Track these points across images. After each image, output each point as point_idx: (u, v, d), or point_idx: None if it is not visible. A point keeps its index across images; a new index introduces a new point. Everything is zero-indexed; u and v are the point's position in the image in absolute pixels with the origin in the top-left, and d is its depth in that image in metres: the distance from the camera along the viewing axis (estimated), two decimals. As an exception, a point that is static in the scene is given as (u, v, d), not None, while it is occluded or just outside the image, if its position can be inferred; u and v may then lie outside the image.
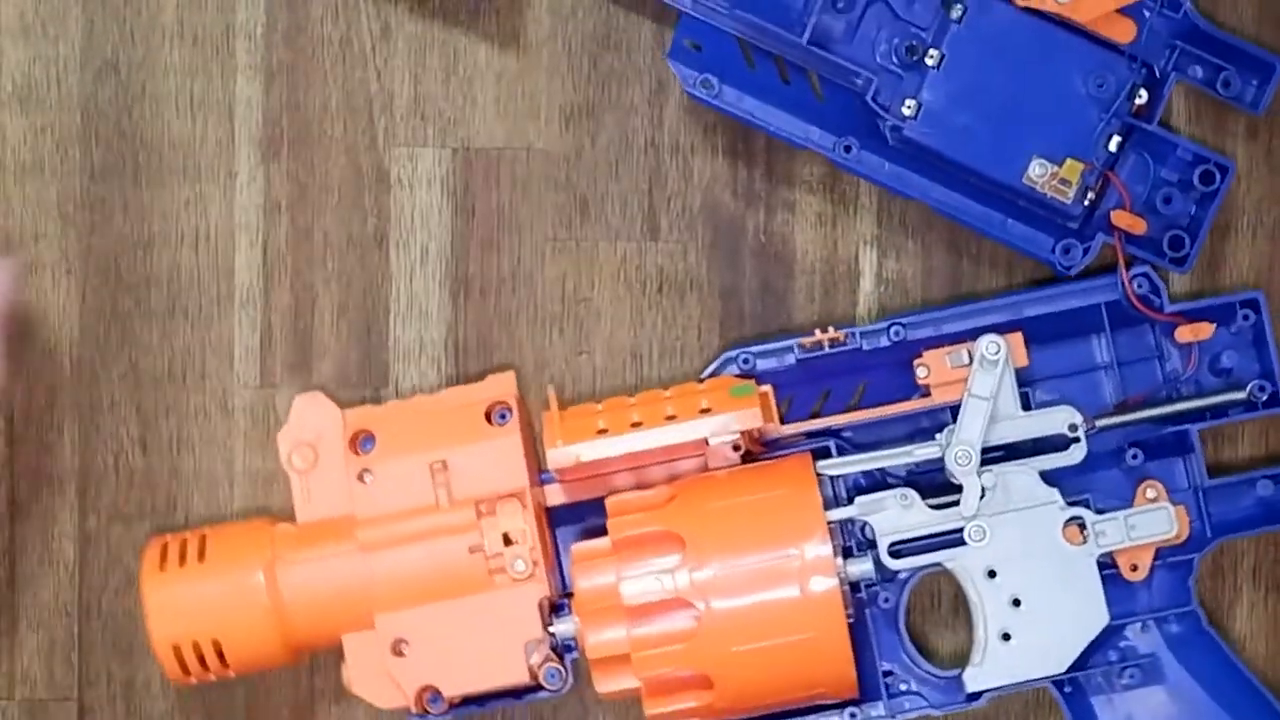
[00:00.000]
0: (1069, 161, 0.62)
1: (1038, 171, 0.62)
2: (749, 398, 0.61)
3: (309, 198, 0.66)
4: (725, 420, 0.60)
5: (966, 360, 0.62)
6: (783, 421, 0.63)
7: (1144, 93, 0.62)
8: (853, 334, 0.63)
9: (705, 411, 0.61)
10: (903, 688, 0.64)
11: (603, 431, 0.60)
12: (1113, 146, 0.62)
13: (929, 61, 0.62)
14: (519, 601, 0.61)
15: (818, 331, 0.63)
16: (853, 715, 0.63)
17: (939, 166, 0.63)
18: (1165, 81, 0.63)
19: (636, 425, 0.60)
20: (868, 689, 0.62)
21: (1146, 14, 0.62)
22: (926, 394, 0.63)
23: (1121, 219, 0.63)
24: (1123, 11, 0.62)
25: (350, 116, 0.66)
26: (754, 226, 0.67)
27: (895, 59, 0.63)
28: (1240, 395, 0.63)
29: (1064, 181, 0.62)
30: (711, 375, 0.63)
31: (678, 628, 0.59)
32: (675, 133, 0.66)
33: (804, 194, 0.67)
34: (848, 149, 0.63)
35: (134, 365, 0.66)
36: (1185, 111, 0.66)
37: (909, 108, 0.62)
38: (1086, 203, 0.62)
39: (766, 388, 0.62)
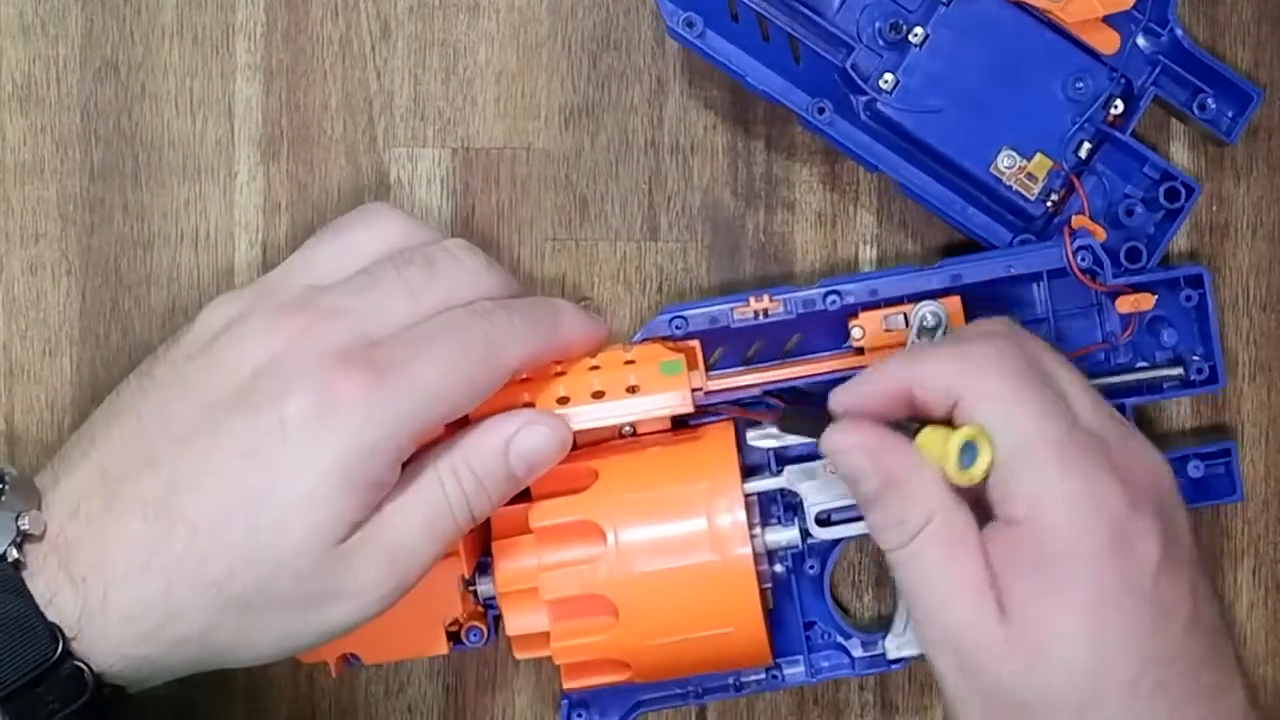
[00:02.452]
0: (1038, 157, 0.62)
1: (1005, 163, 0.62)
2: (678, 377, 0.61)
3: (309, 198, 0.66)
4: (652, 403, 0.61)
5: (903, 324, 0.62)
6: (711, 369, 0.62)
7: (1120, 104, 0.62)
8: (788, 301, 0.62)
9: (633, 390, 0.61)
10: (824, 654, 0.64)
11: (528, 404, 0.60)
12: (1083, 153, 0.62)
13: (912, 39, 0.62)
14: (438, 578, 0.60)
15: (752, 300, 0.62)
16: (774, 676, 0.63)
17: (908, 144, 0.63)
18: (1142, 96, 0.63)
19: (564, 401, 0.61)
20: (790, 649, 0.63)
21: (1133, 27, 0.62)
22: (860, 353, 0.63)
23: (1081, 225, 0.63)
24: (1109, 21, 0.62)
25: (350, 117, 0.66)
26: (754, 226, 0.67)
27: (879, 32, 0.63)
28: (1178, 371, 0.63)
29: (1030, 176, 0.62)
30: (645, 337, 0.62)
31: (596, 621, 0.59)
32: (675, 133, 0.66)
33: (804, 194, 0.67)
34: (821, 110, 0.63)
35: (134, 365, 0.66)
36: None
37: (886, 82, 0.62)
38: (1049, 204, 0.62)
39: (694, 344, 0.62)
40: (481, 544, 0.62)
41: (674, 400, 0.61)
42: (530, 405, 0.60)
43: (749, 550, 0.59)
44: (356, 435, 0.53)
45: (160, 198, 0.66)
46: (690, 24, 0.63)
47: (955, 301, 0.62)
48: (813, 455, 0.63)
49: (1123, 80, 0.62)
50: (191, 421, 0.54)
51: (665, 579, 0.59)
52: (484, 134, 0.66)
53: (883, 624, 0.65)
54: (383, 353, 0.55)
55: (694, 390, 0.61)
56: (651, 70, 0.66)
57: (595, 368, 0.61)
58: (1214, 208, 0.67)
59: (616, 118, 0.67)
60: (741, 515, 0.59)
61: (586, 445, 0.62)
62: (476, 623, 0.62)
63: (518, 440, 0.58)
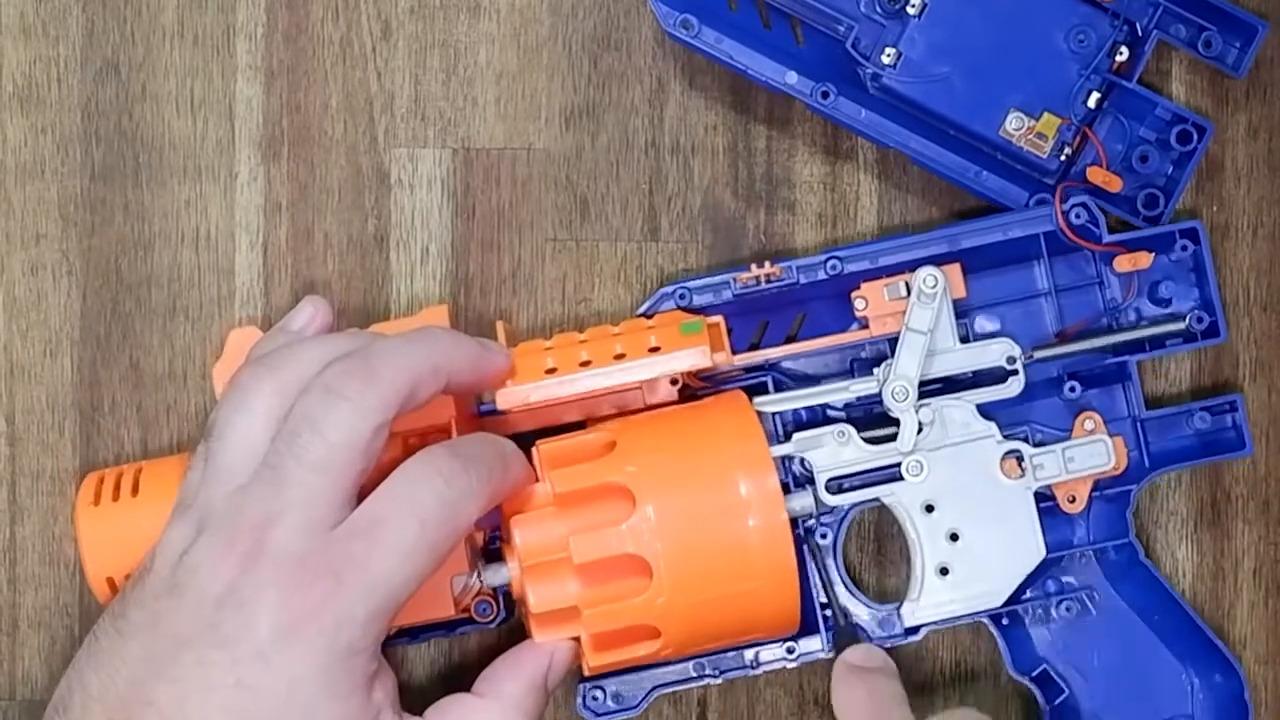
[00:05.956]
0: (1046, 115, 0.62)
1: (1014, 125, 0.62)
2: (698, 335, 0.61)
3: (309, 198, 0.66)
4: (673, 360, 0.60)
5: (904, 292, 0.62)
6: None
7: (1125, 50, 0.62)
8: (789, 268, 0.63)
9: (654, 350, 0.61)
10: (841, 623, 0.64)
11: (551, 371, 0.60)
12: (1091, 103, 0.62)
13: (910, 10, 0.62)
14: None
15: (753, 266, 0.62)
16: (790, 649, 0.63)
17: (916, 116, 0.63)
18: (1147, 39, 0.63)
19: (586, 364, 0.60)
20: (805, 624, 0.62)
21: (1131, -30, 0.63)
22: (865, 326, 0.63)
23: (1097, 175, 0.63)
24: (1107, -33, 0.62)
25: (350, 117, 0.66)
26: (754, 226, 0.67)
27: (877, 6, 0.63)
28: (1179, 326, 0.63)
29: (1040, 136, 0.62)
30: (649, 310, 0.63)
31: (629, 584, 0.59)
32: (675, 133, 0.66)
33: (804, 194, 0.67)
34: (825, 95, 0.63)
35: (134, 365, 0.66)
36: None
37: (889, 56, 0.62)
38: (1063, 158, 0.63)
39: (718, 319, 0.62)
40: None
41: (694, 356, 0.61)
42: (553, 371, 0.60)
43: (784, 516, 0.59)
44: (332, 643, 0.54)
45: (161, 198, 0.66)
46: (686, 25, 0.63)
47: (955, 268, 0.63)
48: (821, 421, 0.64)
49: (1125, 26, 0.62)
50: (173, 659, 0.54)
51: (700, 539, 0.58)
52: (484, 134, 0.66)
53: (886, 593, 0.65)
54: (337, 549, 0.55)
55: (722, 365, 0.61)
56: (652, 71, 0.66)
57: (618, 334, 0.61)
58: (1214, 208, 0.67)
59: (617, 118, 0.67)
60: (774, 478, 0.59)
61: (604, 414, 0.62)
62: (485, 596, 0.62)
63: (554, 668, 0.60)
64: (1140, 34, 0.63)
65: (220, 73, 0.66)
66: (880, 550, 0.66)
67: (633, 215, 0.67)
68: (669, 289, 0.63)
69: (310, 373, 0.57)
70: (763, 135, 0.67)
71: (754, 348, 0.64)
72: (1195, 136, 0.63)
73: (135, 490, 0.62)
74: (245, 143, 0.66)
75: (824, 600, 0.64)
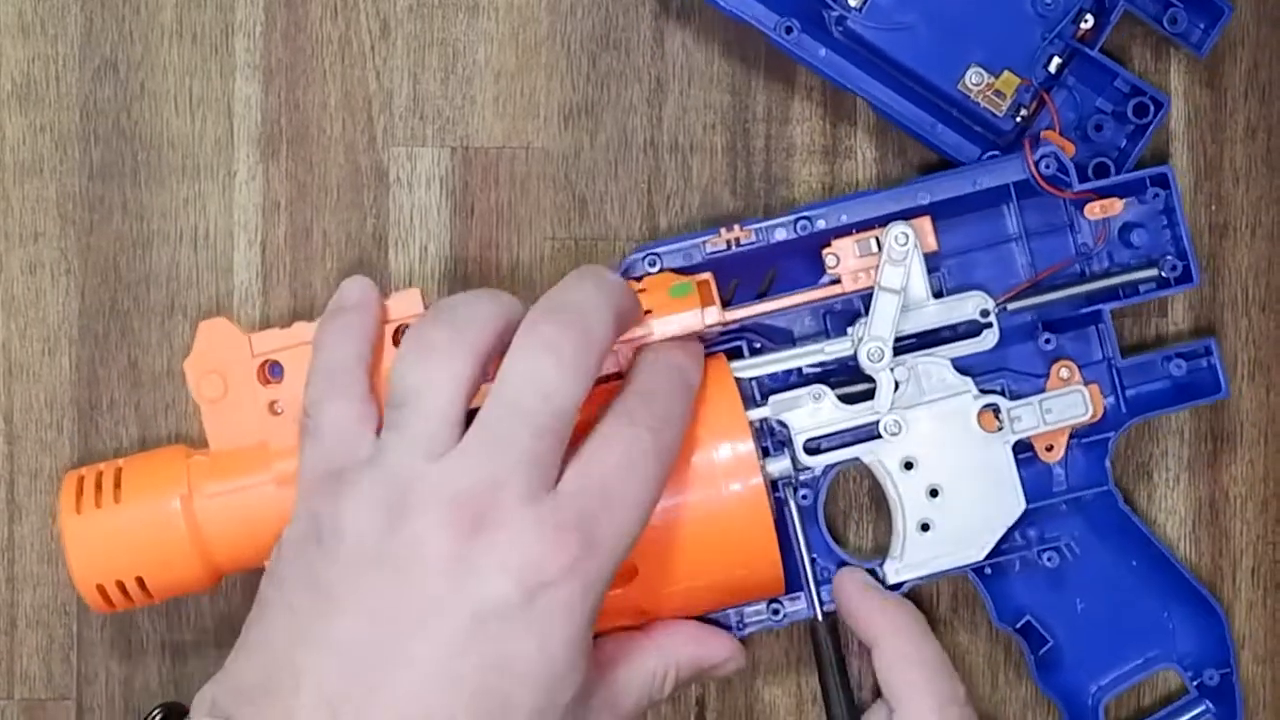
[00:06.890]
0: (1006, 74, 0.62)
1: (974, 80, 0.62)
2: (689, 297, 0.61)
3: (308, 197, 0.66)
4: (666, 324, 0.60)
5: (875, 248, 0.62)
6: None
7: (1090, 18, 0.62)
8: (759, 230, 0.62)
9: (646, 314, 0.60)
10: (826, 588, 0.64)
11: None
12: (1052, 68, 0.62)
13: (882, -46, 0.62)
14: None
15: (723, 231, 0.62)
16: (775, 610, 0.63)
17: (877, 62, 0.63)
18: (1113, 9, 0.63)
19: None
20: (790, 585, 0.63)
21: (1103, -60, 0.63)
22: (837, 282, 0.63)
23: (1051, 139, 0.63)
24: (1079, -66, 0.62)
25: (349, 116, 0.66)
26: (753, 226, 0.67)
27: (848, -52, 0.63)
28: (1152, 272, 0.63)
29: (998, 94, 0.62)
30: (620, 275, 0.62)
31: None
32: (674, 132, 0.66)
33: (803, 194, 0.67)
34: (789, 30, 0.63)
35: (134, 364, 0.66)
36: (1184, 114, 0.66)
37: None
38: (1019, 119, 0.62)
39: (707, 275, 0.62)
40: None
41: (688, 319, 0.60)
42: None
43: (760, 480, 0.59)
44: (580, 607, 0.53)
45: (159, 197, 0.66)
46: None
47: (925, 222, 0.62)
48: (796, 384, 0.63)
49: (1094, -7, 0.62)
50: (411, 630, 0.52)
51: (680, 522, 0.59)
52: (483, 133, 0.66)
53: (880, 552, 0.65)
54: (570, 509, 0.53)
55: (714, 325, 0.61)
56: (651, 70, 0.66)
57: None
58: (1213, 208, 0.67)
59: (616, 117, 0.67)
60: (750, 445, 0.59)
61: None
62: None
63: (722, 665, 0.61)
64: (1106, 3, 0.63)
65: (219, 71, 0.66)
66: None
67: (631, 214, 0.67)
68: (638, 254, 0.62)
69: (492, 330, 0.56)
70: (761, 134, 0.67)
71: (726, 303, 0.63)
72: (1152, 110, 0.63)
73: (118, 491, 0.60)
74: (244, 141, 0.66)
75: (809, 560, 0.64)
